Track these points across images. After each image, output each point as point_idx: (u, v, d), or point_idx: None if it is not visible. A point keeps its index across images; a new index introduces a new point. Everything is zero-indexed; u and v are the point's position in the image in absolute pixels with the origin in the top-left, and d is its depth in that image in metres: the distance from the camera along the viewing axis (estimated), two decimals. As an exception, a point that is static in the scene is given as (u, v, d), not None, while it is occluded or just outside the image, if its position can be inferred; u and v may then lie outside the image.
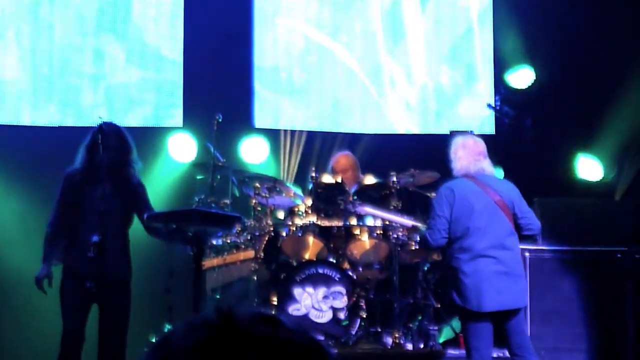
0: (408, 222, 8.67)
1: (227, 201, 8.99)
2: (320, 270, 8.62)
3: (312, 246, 8.97)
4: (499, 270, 7.01)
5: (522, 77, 10.92)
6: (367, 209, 8.75)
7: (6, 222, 10.25)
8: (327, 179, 9.21)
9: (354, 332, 8.55)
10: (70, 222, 7.37)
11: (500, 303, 7.01)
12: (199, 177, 9.54)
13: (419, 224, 8.44)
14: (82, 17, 10.70)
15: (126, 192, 7.42)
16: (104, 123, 7.45)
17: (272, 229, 9.01)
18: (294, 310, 8.49)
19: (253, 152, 10.76)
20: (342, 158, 9.73)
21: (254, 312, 1.43)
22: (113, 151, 7.37)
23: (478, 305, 6.95)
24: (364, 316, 8.61)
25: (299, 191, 9.53)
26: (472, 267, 7.00)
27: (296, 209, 9.10)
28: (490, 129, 10.95)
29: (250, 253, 8.90)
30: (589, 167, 10.71)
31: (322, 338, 8.11)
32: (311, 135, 10.85)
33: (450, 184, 7.25)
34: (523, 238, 7.25)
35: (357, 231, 9.03)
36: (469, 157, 7.29)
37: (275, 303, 8.47)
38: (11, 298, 10.05)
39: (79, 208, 7.35)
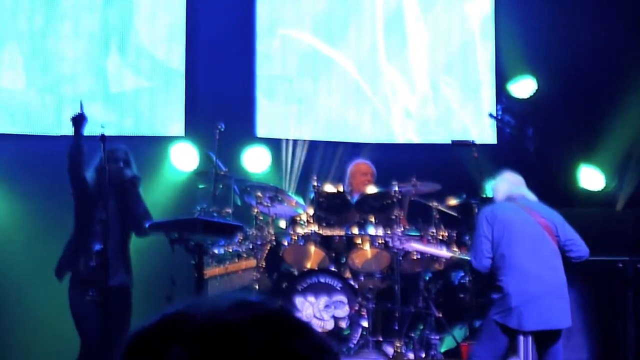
0: (447, 254, 8.75)
1: (229, 210, 9.00)
2: (322, 280, 8.63)
3: (314, 255, 8.97)
4: (542, 290, 7.06)
5: (523, 86, 10.92)
6: (415, 245, 8.80)
7: (8, 230, 10.26)
8: (329, 188, 9.22)
9: (355, 342, 8.55)
10: (79, 233, 7.47)
11: (542, 323, 7.07)
12: (201, 186, 9.55)
13: (457, 255, 8.57)
14: (85, 27, 10.71)
15: (125, 202, 7.48)
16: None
17: (274, 238, 9.02)
18: (295, 319, 8.49)
19: (255, 161, 10.76)
20: (364, 164, 9.74)
21: (246, 310, 1.34)
22: (116, 162, 7.45)
23: (519, 324, 7.01)
24: (366, 325, 8.62)
25: (300, 200, 9.54)
26: (515, 285, 7.07)
27: (298, 218, 9.11)
28: (491, 138, 10.96)
29: (252, 262, 8.90)
30: (590, 177, 10.71)
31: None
32: (313, 144, 10.85)
33: (492, 206, 7.49)
34: (570, 263, 7.31)
35: (358, 240, 9.04)
36: (508, 184, 7.53)
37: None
38: (16, 303, 10.07)
39: (86, 219, 7.43)
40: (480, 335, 7.44)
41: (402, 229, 8.85)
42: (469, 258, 7.74)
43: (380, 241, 8.95)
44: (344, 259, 9.06)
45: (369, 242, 9.00)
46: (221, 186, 9.17)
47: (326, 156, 10.71)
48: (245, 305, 1.35)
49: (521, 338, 7.53)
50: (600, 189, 10.70)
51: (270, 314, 1.36)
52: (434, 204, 9.08)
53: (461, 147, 9.22)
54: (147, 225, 7.36)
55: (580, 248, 7.34)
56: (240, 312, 1.33)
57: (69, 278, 7.50)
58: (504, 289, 7.10)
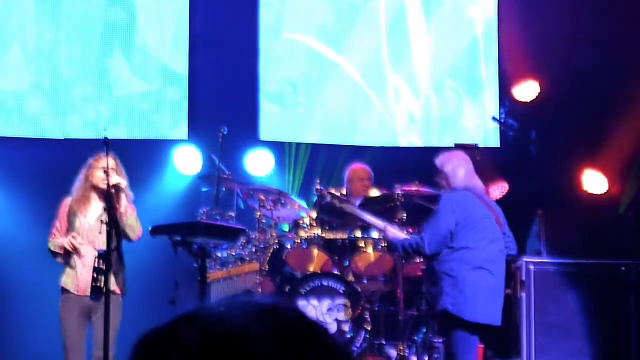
0: (382, 224, 8.44)
1: (232, 214, 9.01)
2: (325, 283, 8.64)
3: (317, 259, 8.98)
4: (493, 284, 7.08)
5: (527, 90, 10.91)
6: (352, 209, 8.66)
7: (13, 233, 10.26)
8: (332, 191, 9.22)
9: (358, 345, 8.56)
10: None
11: (491, 318, 7.07)
12: (204, 189, 9.57)
13: (394, 230, 8.18)
14: (88, 31, 10.73)
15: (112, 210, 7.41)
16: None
17: (277, 241, 9.03)
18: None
19: (258, 164, 10.77)
20: (361, 168, 9.72)
21: (257, 315, 1.33)
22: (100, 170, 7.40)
23: (473, 316, 6.98)
24: (369, 329, 8.62)
25: (303, 204, 9.54)
26: (472, 278, 7.03)
27: (301, 222, 9.12)
28: (495, 142, 10.96)
29: (255, 266, 8.91)
30: (593, 180, 10.70)
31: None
32: (316, 148, 10.87)
33: (456, 195, 7.26)
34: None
35: (362, 244, 9.05)
36: (466, 173, 7.35)
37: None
38: (16, 307, 10.08)
39: (73, 224, 7.41)
40: (451, 336, 7.31)
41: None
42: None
43: (383, 245, 8.95)
44: (347, 263, 9.07)
45: (372, 245, 9.01)
46: (224, 189, 9.19)
47: (329, 160, 10.72)
48: (257, 310, 1.35)
49: (524, 339, 7.54)
50: (603, 192, 10.68)
51: (283, 318, 1.35)
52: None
53: (465, 151, 9.21)
54: (140, 232, 7.38)
55: (515, 246, 7.41)
56: (252, 317, 1.33)
57: (61, 289, 7.46)
58: (458, 279, 7.03)
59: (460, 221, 7.11)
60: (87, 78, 10.71)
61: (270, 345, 1.30)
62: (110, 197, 7.24)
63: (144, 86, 10.79)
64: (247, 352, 1.29)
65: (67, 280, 7.40)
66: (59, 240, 7.44)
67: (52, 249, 7.47)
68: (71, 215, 7.47)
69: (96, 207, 7.41)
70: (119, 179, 7.31)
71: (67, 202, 7.55)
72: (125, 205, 7.35)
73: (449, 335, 7.32)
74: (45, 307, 8.84)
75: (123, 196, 7.34)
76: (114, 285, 7.36)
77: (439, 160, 7.43)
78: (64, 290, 7.42)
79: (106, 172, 7.23)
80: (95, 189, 7.42)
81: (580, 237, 8.97)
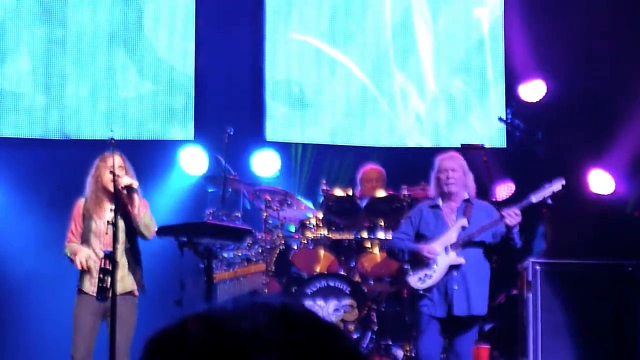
0: None
1: (239, 214, 9.01)
2: (331, 284, 8.64)
3: (323, 259, 8.98)
4: None
5: (533, 90, 10.90)
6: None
7: (14, 234, 10.26)
8: (338, 192, 9.22)
9: (364, 346, 8.55)
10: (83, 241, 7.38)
11: None
12: (210, 190, 9.58)
13: None
14: (94, 31, 10.73)
15: (124, 210, 7.37)
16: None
17: (283, 242, 9.03)
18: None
19: (264, 165, 10.76)
20: (372, 170, 9.68)
21: (269, 317, 1.32)
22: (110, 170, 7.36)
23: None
24: (375, 329, 8.62)
25: (310, 204, 9.54)
26: None
27: (307, 222, 9.11)
28: (501, 142, 10.94)
29: (261, 266, 8.91)
30: (600, 180, 10.68)
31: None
32: (322, 148, 10.86)
33: None
34: None
35: (368, 244, 9.05)
36: None
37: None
38: (15, 307, 10.10)
39: (89, 227, 7.38)
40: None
41: None
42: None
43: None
44: (353, 263, 9.07)
45: (378, 246, 9.00)
46: (230, 190, 9.19)
47: (335, 160, 10.72)
48: (266, 310, 1.34)
49: (530, 339, 7.61)
50: (610, 193, 10.67)
51: (293, 318, 1.34)
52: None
53: (471, 151, 9.20)
54: (155, 230, 7.34)
55: None
56: (261, 317, 1.32)
57: (77, 289, 7.45)
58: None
59: None
60: (93, 78, 10.71)
61: (280, 345, 1.29)
62: (120, 197, 7.20)
63: (150, 86, 10.79)
64: (256, 352, 1.28)
65: (84, 282, 7.37)
66: (74, 246, 7.37)
67: (68, 254, 7.41)
68: (86, 218, 7.41)
69: (109, 209, 7.36)
70: (130, 179, 7.25)
71: (80, 204, 7.45)
72: (139, 205, 7.28)
73: (471, 339, 7.42)
74: (46, 306, 8.85)
75: (136, 196, 7.27)
76: (132, 285, 7.36)
77: (451, 161, 7.43)
78: (80, 291, 7.40)
79: (112, 172, 7.21)
80: (106, 190, 7.36)
81: (587, 238, 8.96)
